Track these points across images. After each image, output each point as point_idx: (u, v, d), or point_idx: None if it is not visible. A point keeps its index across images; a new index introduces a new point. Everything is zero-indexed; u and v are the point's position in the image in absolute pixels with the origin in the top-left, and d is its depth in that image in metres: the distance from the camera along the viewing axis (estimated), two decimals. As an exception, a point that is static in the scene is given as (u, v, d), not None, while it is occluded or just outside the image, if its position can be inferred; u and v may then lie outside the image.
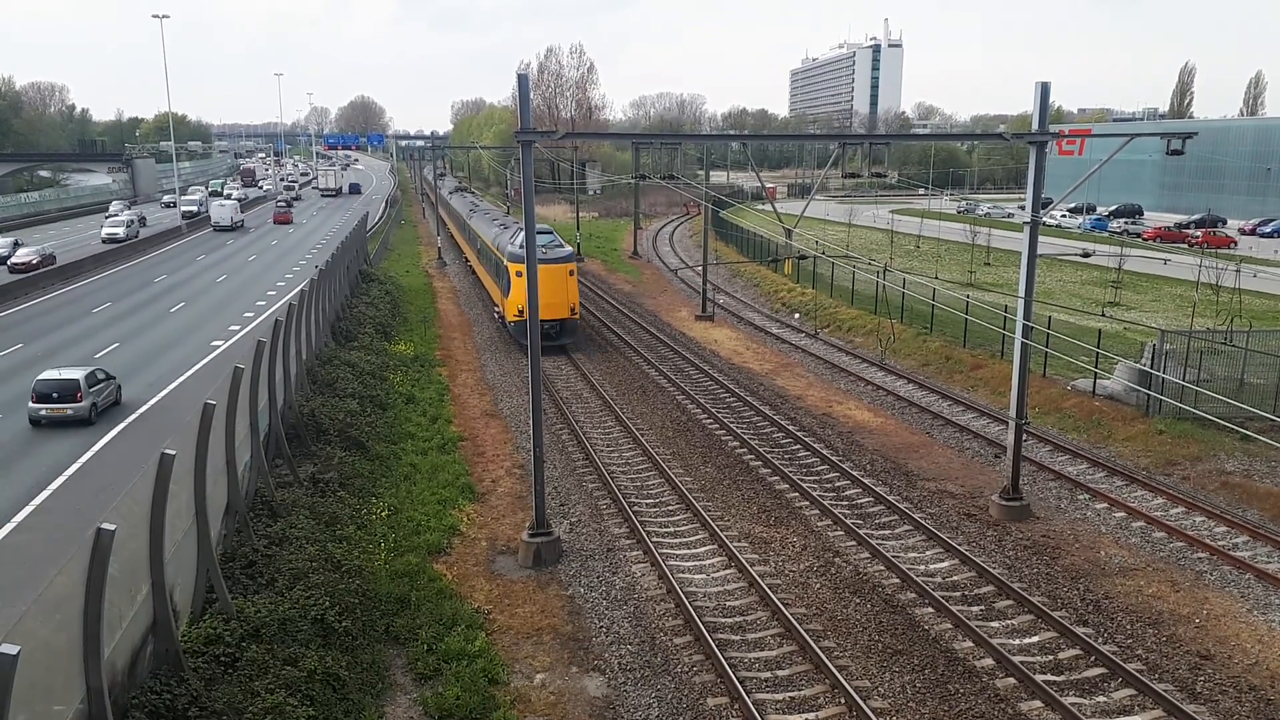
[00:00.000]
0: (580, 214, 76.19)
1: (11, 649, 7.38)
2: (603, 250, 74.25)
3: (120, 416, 25.95)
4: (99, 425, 25.11)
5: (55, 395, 25.05)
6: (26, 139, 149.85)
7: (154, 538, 11.76)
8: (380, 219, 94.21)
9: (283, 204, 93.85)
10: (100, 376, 26.53)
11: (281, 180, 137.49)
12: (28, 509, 19.39)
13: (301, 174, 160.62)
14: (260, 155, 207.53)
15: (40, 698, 8.89)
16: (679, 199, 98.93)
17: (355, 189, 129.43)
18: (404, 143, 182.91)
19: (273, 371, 21.24)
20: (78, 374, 25.71)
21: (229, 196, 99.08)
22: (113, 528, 9.71)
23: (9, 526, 18.50)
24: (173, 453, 11.94)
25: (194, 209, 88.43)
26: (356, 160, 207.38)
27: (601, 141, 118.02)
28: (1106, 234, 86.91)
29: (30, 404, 25.12)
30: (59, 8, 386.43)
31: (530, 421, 19.82)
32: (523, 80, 19.06)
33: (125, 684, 11.13)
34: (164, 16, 77.63)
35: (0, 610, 11.87)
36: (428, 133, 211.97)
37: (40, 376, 25.75)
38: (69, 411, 24.90)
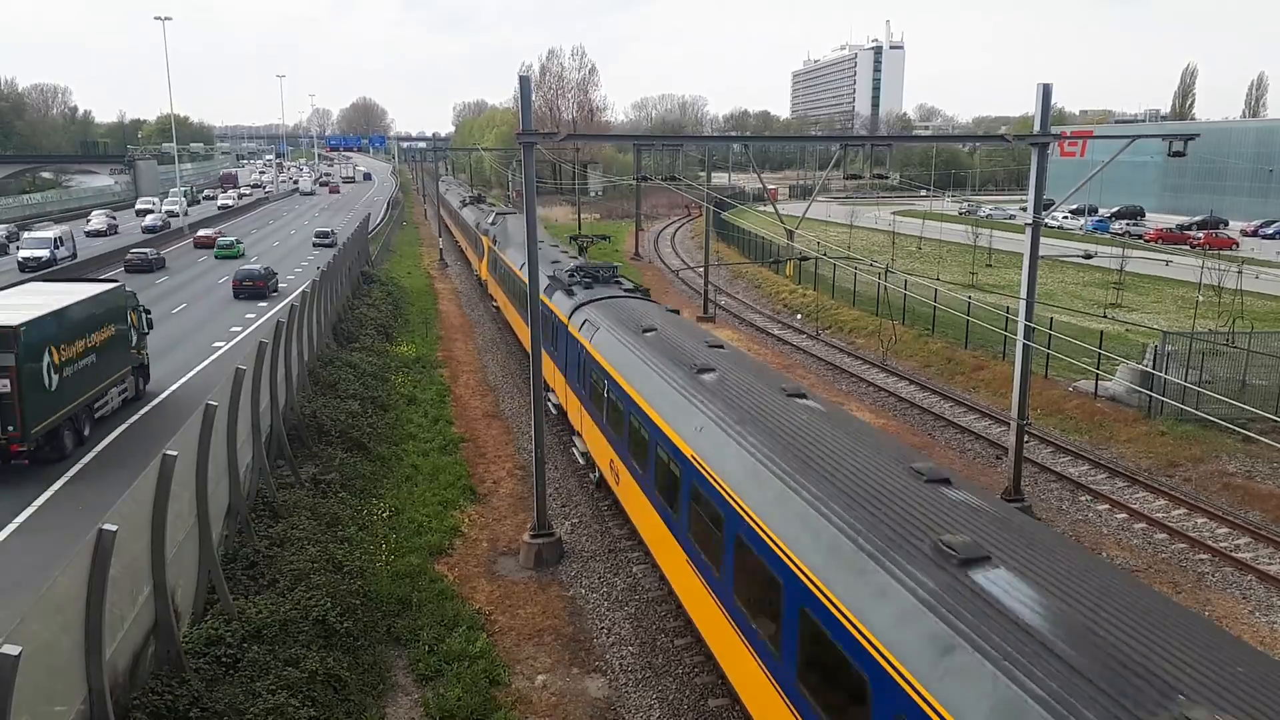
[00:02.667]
0: (582, 215, 76.24)
1: (13, 650, 7.39)
2: (605, 252, 74.23)
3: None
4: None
5: (322, 234, 72.46)
6: (29, 141, 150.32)
7: (155, 539, 11.76)
8: (382, 220, 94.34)
9: (333, 183, 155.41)
10: (334, 230, 73.43)
11: (327, 173, 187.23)
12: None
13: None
14: (266, 159, 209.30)
15: (42, 699, 8.89)
16: (680, 200, 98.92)
17: (367, 176, 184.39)
18: (406, 144, 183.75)
19: (274, 372, 21.24)
20: (329, 227, 74.80)
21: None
22: (114, 529, 9.71)
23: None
24: (174, 453, 11.94)
25: (42, 254, 55.02)
26: (356, 164, 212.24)
27: (603, 143, 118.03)
28: (1108, 235, 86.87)
29: (311, 241, 72.07)
30: (62, 9, 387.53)
31: (532, 422, 19.82)
32: (524, 82, 19.05)
33: (127, 685, 11.13)
34: (166, 18, 77.74)
35: (2, 611, 11.89)
36: (429, 134, 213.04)
37: (315, 230, 76.38)
38: (326, 242, 69.71)
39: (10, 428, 20.43)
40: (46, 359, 21.46)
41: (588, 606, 17.28)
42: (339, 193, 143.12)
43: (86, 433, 23.72)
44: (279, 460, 20.94)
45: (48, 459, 21.66)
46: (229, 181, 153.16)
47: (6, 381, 20.36)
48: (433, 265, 66.09)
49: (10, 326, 20.35)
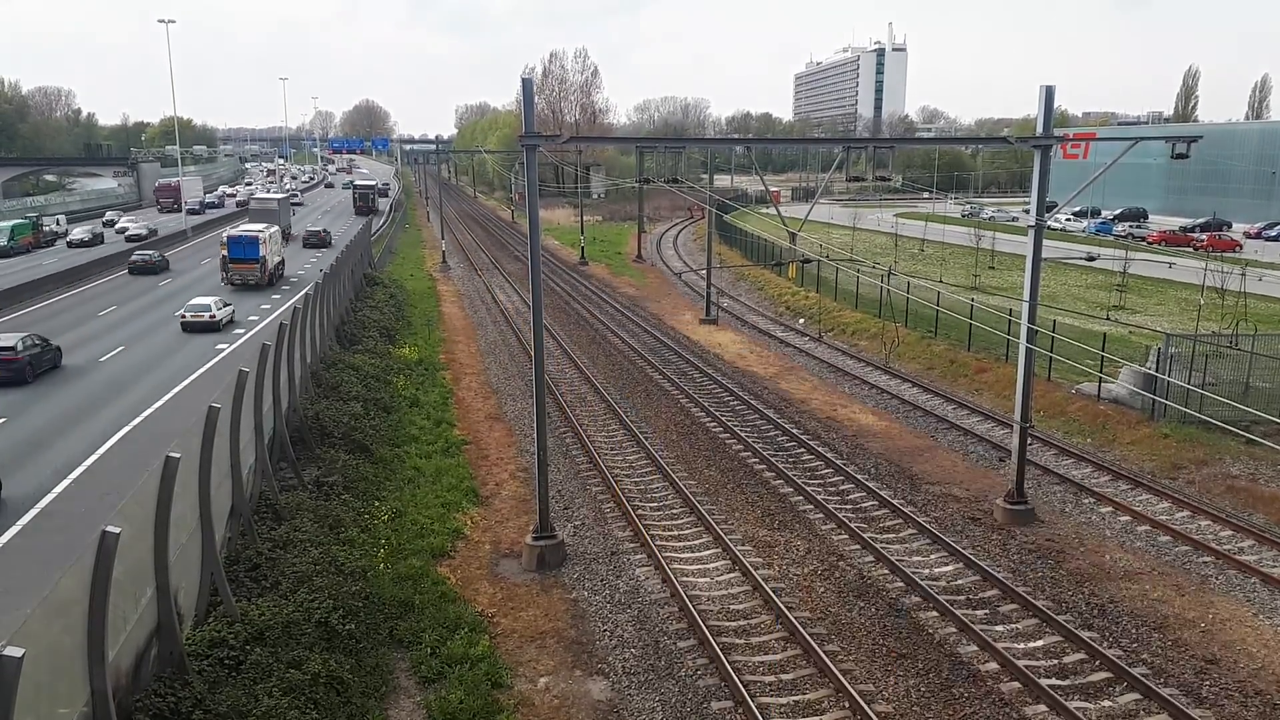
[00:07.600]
0: (584, 218, 76.30)
1: (16, 651, 7.39)
2: (607, 254, 74.30)
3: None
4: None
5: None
6: (32, 143, 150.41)
7: (159, 541, 11.77)
8: (385, 223, 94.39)
9: (350, 168, 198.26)
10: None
11: (344, 168, 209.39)
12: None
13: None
14: (279, 161, 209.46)
15: (45, 700, 8.90)
16: (683, 203, 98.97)
17: (354, 166, 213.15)
18: (408, 147, 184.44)
19: (277, 375, 21.26)
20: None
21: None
22: (118, 530, 9.72)
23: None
24: (177, 456, 11.95)
25: None
26: (356, 164, 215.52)
27: (605, 145, 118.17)
28: (1111, 237, 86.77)
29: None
30: (65, 12, 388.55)
31: (534, 425, 19.82)
32: (527, 84, 19.08)
33: (129, 686, 11.14)
34: (170, 21, 77.82)
35: (5, 613, 11.90)
36: (432, 136, 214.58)
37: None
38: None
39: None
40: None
41: (590, 609, 17.27)
42: (350, 174, 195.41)
43: None
44: (282, 462, 20.96)
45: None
46: (166, 194, 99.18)
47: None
48: (435, 267, 66.17)
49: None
